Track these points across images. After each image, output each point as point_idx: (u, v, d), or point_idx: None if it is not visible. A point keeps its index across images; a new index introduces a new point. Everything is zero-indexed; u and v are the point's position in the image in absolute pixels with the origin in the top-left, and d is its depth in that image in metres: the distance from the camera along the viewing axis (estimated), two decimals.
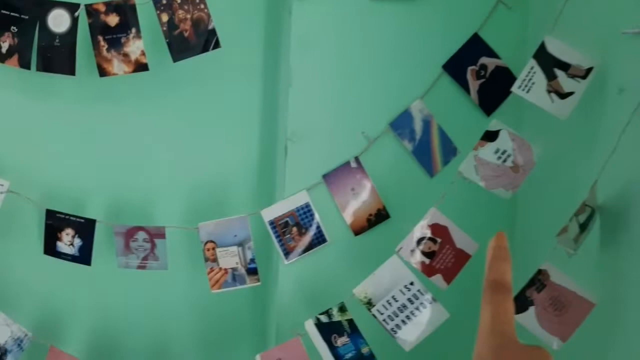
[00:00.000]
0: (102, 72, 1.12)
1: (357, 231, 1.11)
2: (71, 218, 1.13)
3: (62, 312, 1.17)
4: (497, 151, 0.93)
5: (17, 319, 1.09)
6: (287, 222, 1.10)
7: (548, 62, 0.90)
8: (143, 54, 1.11)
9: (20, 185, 1.12)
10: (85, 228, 1.13)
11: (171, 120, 1.21)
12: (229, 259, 1.11)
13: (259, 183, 1.25)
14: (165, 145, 1.21)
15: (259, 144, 1.25)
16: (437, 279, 0.96)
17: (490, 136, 0.93)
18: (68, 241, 1.13)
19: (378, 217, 1.11)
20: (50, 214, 1.13)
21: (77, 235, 1.13)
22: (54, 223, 1.13)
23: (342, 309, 0.99)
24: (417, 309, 0.96)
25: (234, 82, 1.22)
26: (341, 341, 0.99)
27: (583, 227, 0.84)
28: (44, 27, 1.11)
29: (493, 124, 0.94)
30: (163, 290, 1.19)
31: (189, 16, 1.11)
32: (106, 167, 1.19)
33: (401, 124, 1.12)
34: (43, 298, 1.16)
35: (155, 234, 1.13)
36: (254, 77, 1.24)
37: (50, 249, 1.13)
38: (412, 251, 0.96)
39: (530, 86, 0.91)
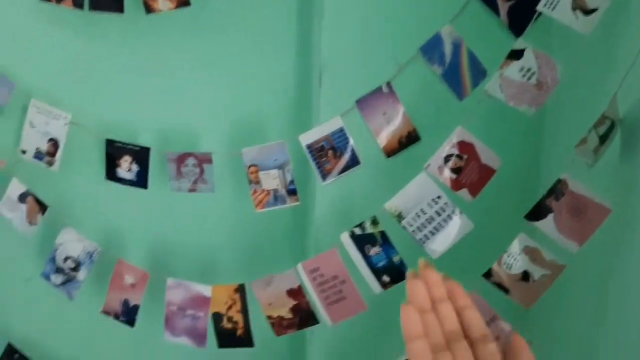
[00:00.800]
0: (148, 9, 1.20)
1: (389, 153, 1.17)
2: (128, 146, 1.24)
3: (123, 230, 1.31)
4: (522, 69, 0.96)
5: (85, 236, 1.24)
6: (322, 146, 1.18)
7: None
8: None
9: (80, 117, 1.25)
10: (141, 155, 1.24)
11: (212, 53, 1.29)
12: (271, 181, 1.20)
13: (295, 111, 1.32)
14: (207, 77, 1.29)
15: (294, 75, 1.32)
16: (464, 192, 1.03)
17: (516, 55, 0.96)
18: (126, 167, 1.25)
19: (409, 139, 1.17)
20: (109, 143, 1.25)
21: (134, 162, 1.25)
22: (113, 151, 1.25)
23: (375, 222, 1.08)
24: (444, 220, 1.04)
25: (270, 16, 1.28)
26: (374, 251, 1.08)
27: (603, 138, 0.88)
28: None
29: (518, 43, 0.97)
30: (210, 210, 1.31)
31: None
32: (155, 99, 1.29)
33: (431, 49, 1.15)
34: (106, 219, 1.30)
35: (203, 160, 1.23)
36: (290, 11, 1.29)
37: (111, 174, 1.26)
38: (440, 168, 1.03)
39: (556, 4, 0.93)
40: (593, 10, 0.91)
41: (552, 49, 1.06)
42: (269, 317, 1.17)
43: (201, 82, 1.29)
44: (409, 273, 0.57)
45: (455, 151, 1.02)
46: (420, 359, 0.50)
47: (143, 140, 1.27)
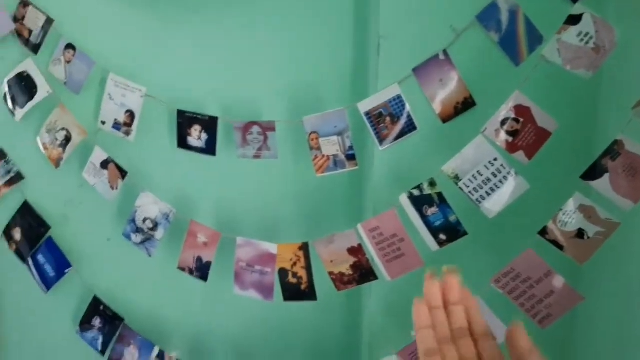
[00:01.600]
0: None
1: (445, 119, 1.22)
2: (198, 116, 1.34)
3: (193, 194, 1.41)
4: (579, 34, 0.99)
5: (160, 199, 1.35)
6: (381, 112, 1.24)
7: None
8: None
9: (154, 90, 1.34)
10: (210, 124, 1.33)
11: (273, 28, 1.35)
12: (331, 147, 1.27)
13: (353, 80, 1.38)
14: (268, 51, 1.36)
15: (351, 44, 1.37)
16: (519, 155, 1.07)
17: (574, 20, 0.99)
18: (196, 136, 1.35)
19: (465, 105, 1.21)
20: (180, 114, 1.34)
21: (203, 131, 1.34)
22: (184, 121, 1.34)
23: (432, 183, 1.14)
24: (500, 181, 1.08)
25: None
26: (431, 211, 1.15)
27: None
28: None
29: (577, 7, 0.99)
30: (273, 176, 1.39)
31: None
32: (221, 72, 1.37)
33: (488, 16, 1.18)
34: (178, 184, 1.41)
35: (267, 128, 1.31)
36: None
37: (182, 143, 1.36)
38: (496, 131, 1.07)
39: None
40: None
41: (607, 14, 1.07)
42: (331, 273, 1.26)
43: (263, 55, 1.36)
44: (427, 274, 0.64)
45: (512, 115, 1.06)
46: (425, 345, 0.57)
47: (210, 111, 1.36)
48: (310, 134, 1.29)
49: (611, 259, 1.06)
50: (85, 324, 1.44)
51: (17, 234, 1.45)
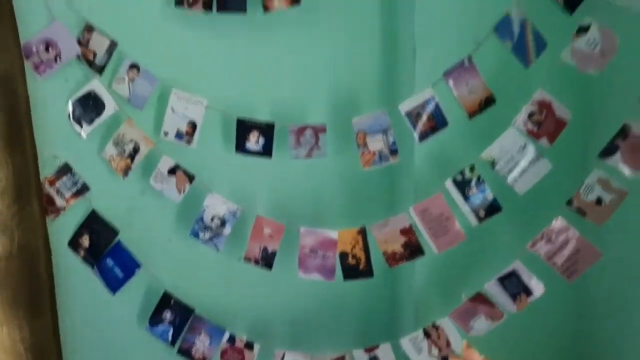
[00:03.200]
0: (265, 8, 1.45)
1: (471, 114, 1.45)
2: (256, 123, 1.50)
3: (252, 193, 1.58)
4: (588, 41, 1.24)
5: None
6: (418, 112, 1.45)
7: None
8: None
9: (211, 102, 1.50)
10: (267, 130, 1.50)
11: (316, 41, 1.54)
12: (376, 143, 1.48)
13: (384, 83, 1.58)
14: (313, 61, 1.55)
15: (381, 54, 1.58)
16: (543, 141, 1.31)
17: (583, 30, 1.24)
18: (254, 141, 1.52)
19: (487, 102, 1.44)
20: (240, 122, 1.50)
21: (260, 135, 1.51)
22: (243, 128, 1.51)
23: (472, 168, 1.36)
24: (528, 164, 1.32)
25: (360, 7, 1.53)
26: (472, 192, 1.37)
27: None
28: None
29: (585, 20, 1.24)
30: (323, 172, 1.58)
31: None
32: (271, 82, 1.54)
33: (502, 28, 1.42)
34: (239, 184, 1.57)
35: (319, 130, 1.49)
36: (373, 2, 1.54)
37: (241, 147, 1.52)
38: (524, 122, 1.31)
39: None
40: None
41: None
42: (384, 253, 1.46)
43: (306, 64, 1.55)
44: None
45: (536, 108, 1.30)
46: None
47: (260, 116, 1.53)
48: (358, 132, 1.48)
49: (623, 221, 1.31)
50: (154, 318, 1.57)
51: (85, 241, 1.56)
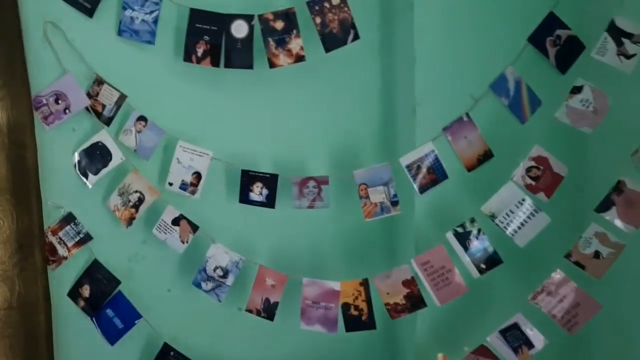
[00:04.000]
0: (272, 64, 1.50)
1: (470, 168, 1.49)
2: (260, 174, 1.53)
3: (254, 242, 1.59)
4: (582, 100, 1.30)
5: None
6: (419, 165, 1.49)
7: (616, 34, 1.26)
8: (302, 48, 1.49)
9: (216, 153, 1.53)
10: (271, 181, 1.53)
11: (317, 94, 1.60)
12: (378, 195, 1.51)
13: (385, 137, 1.63)
14: (314, 115, 1.60)
15: (380, 111, 1.63)
16: (541, 195, 1.35)
17: (577, 90, 1.30)
18: (258, 192, 1.54)
19: (485, 156, 1.49)
20: (244, 173, 1.53)
21: (264, 187, 1.54)
22: (247, 179, 1.53)
23: (473, 221, 1.39)
24: (528, 217, 1.36)
25: (360, 68, 1.60)
26: (472, 244, 1.40)
27: None
28: (229, 34, 1.49)
29: (579, 81, 1.31)
30: (324, 222, 1.60)
31: (336, 17, 1.47)
32: (275, 135, 1.59)
33: (499, 86, 1.48)
34: (242, 235, 1.58)
35: (321, 182, 1.53)
36: (374, 62, 1.61)
37: (245, 198, 1.54)
38: (522, 177, 1.35)
39: (605, 52, 1.27)
40: (633, 55, 1.25)
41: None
42: (387, 304, 1.47)
43: (311, 119, 1.60)
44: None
45: (534, 164, 1.35)
46: None
47: (262, 167, 1.56)
48: (360, 185, 1.51)
49: (620, 274, 1.34)
50: None
51: (86, 291, 1.55)
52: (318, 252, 1.62)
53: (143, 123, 1.53)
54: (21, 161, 1.51)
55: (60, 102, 1.49)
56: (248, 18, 1.48)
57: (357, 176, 1.51)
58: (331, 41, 1.49)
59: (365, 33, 1.51)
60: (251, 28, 1.48)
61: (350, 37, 1.49)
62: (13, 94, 1.51)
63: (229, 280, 1.51)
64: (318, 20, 1.47)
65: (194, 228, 1.52)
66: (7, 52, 1.48)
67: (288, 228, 1.60)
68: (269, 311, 1.50)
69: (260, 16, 1.47)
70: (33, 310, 1.56)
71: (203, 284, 1.52)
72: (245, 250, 1.55)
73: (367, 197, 1.52)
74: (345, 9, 1.47)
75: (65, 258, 1.54)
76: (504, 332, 1.39)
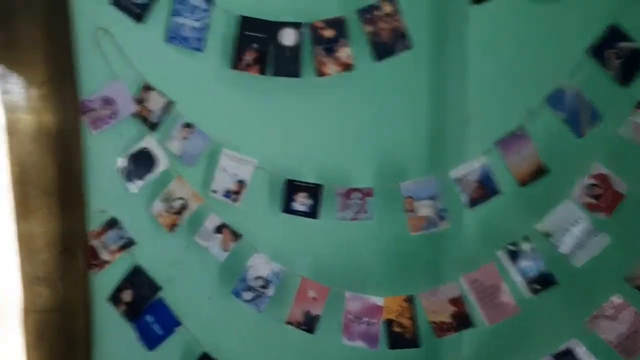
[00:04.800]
0: (319, 73, 1.48)
1: (523, 183, 1.43)
2: (304, 184, 1.51)
3: (296, 255, 1.56)
4: None
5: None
6: (469, 179, 1.44)
7: None
8: (350, 57, 1.46)
9: (262, 161, 1.52)
10: (315, 191, 1.50)
11: (363, 103, 1.56)
12: (425, 209, 1.46)
13: (433, 148, 1.59)
14: (360, 124, 1.57)
15: (429, 122, 1.59)
16: (601, 214, 1.28)
17: None
18: (301, 202, 1.51)
19: (539, 172, 1.43)
20: (288, 182, 1.51)
21: (308, 197, 1.51)
22: (291, 188, 1.51)
23: (526, 239, 1.33)
24: (586, 237, 1.29)
25: (408, 75, 1.56)
26: (525, 263, 1.34)
27: None
28: (277, 42, 1.47)
29: None
30: (368, 235, 1.56)
31: (387, 26, 1.44)
32: (319, 144, 1.56)
33: (555, 99, 1.43)
34: (283, 245, 1.55)
35: (367, 193, 1.49)
36: (424, 72, 1.56)
37: (288, 208, 1.52)
38: (581, 195, 1.29)
39: None
40: None
41: None
42: (432, 322, 1.41)
43: (357, 130, 1.57)
44: None
45: (594, 181, 1.28)
46: None
47: (308, 179, 1.54)
48: (407, 197, 1.47)
49: None
50: None
51: (127, 296, 1.55)
52: (360, 265, 1.58)
53: (189, 130, 1.52)
54: (68, 165, 1.52)
55: (108, 107, 1.50)
56: (297, 26, 1.46)
57: (403, 188, 1.47)
58: (382, 50, 1.45)
59: (416, 43, 1.48)
60: (300, 36, 1.47)
61: (401, 46, 1.46)
62: (62, 98, 1.52)
63: (270, 291, 1.48)
64: (369, 28, 1.45)
65: (236, 236, 1.50)
66: (58, 57, 1.49)
67: (330, 239, 1.56)
68: (309, 324, 1.47)
69: (310, 24, 1.46)
70: (74, 313, 1.56)
71: (243, 294, 1.50)
72: (286, 261, 1.53)
73: (414, 210, 1.47)
74: (397, 17, 1.44)
75: (108, 262, 1.54)
76: (556, 358, 1.33)
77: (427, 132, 1.59)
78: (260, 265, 1.49)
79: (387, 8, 1.43)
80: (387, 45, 1.45)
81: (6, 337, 1.45)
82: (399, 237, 1.53)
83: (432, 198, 1.46)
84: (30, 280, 1.48)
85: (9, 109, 1.45)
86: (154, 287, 1.55)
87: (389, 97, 1.56)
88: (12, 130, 1.46)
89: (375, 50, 1.45)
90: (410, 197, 1.47)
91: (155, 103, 1.52)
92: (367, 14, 1.44)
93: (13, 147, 1.45)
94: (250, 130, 1.56)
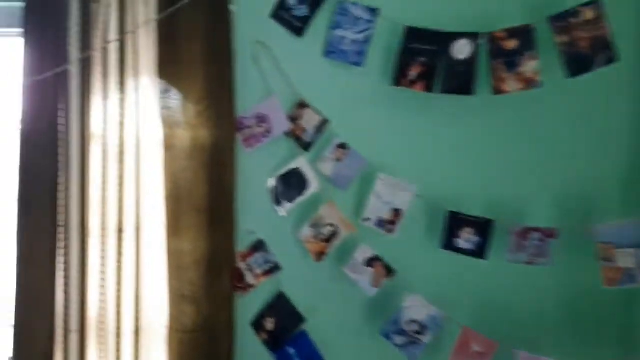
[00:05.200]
0: (497, 91, 1.28)
1: None
2: (470, 218, 1.31)
3: (458, 299, 1.37)
4: None
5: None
6: None
7: None
8: (537, 72, 1.24)
9: (421, 189, 1.35)
10: (483, 227, 1.30)
11: (547, 127, 1.33)
12: (626, 258, 1.19)
13: (631, 187, 1.30)
14: (541, 152, 1.34)
15: (630, 153, 1.31)
16: None
17: None
18: (466, 238, 1.32)
19: None
20: (452, 215, 1.32)
21: (474, 233, 1.31)
22: (455, 222, 1.32)
23: None
24: None
25: (605, 95, 1.30)
26: None
27: None
28: (448, 55, 1.30)
29: None
30: (544, 282, 1.32)
31: (588, 35, 1.20)
32: (490, 173, 1.36)
33: None
34: (443, 286, 1.37)
35: (548, 234, 1.25)
36: (626, 91, 1.30)
37: (449, 244, 1.33)
38: None
39: None
40: None
41: None
42: None
43: (537, 158, 1.34)
44: None
45: None
46: None
47: (473, 211, 1.34)
48: (602, 243, 1.21)
49: None
50: None
51: (270, 324, 1.47)
52: (535, 319, 1.33)
53: (343, 151, 1.40)
54: (220, 182, 1.48)
55: (262, 124, 1.43)
56: (473, 36, 1.28)
57: (596, 232, 1.21)
58: (578, 64, 1.21)
59: (621, 55, 1.22)
60: (476, 48, 1.28)
61: (604, 59, 1.20)
62: (219, 114, 1.48)
63: (426, 338, 1.30)
64: (563, 38, 1.22)
65: (389, 272, 1.35)
66: (217, 73, 1.46)
67: (500, 284, 1.34)
68: None
69: (489, 34, 1.27)
70: (217, 335, 1.51)
71: (394, 337, 1.33)
72: (446, 305, 1.34)
73: (611, 259, 1.20)
74: (602, 24, 1.19)
75: (252, 286, 1.47)
76: None
77: (627, 166, 1.31)
78: (416, 308, 1.31)
79: (588, 14, 1.19)
80: (585, 57, 1.21)
81: (149, 354, 1.44)
82: (586, 290, 1.27)
83: (636, 246, 1.18)
84: (176, 298, 1.45)
85: (167, 125, 1.45)
86: (297, 317, 1.45)
87: (582, 120, 1.31)
88: (169, 146, 1.45)
89: (568, 64, 1.22)
90: (608, 242, 1.20)
91: (309, 121, 1.43)
92: (560, 21, 1.21)
93: (168, 162, 1.44)
94: (410, 154, 1.40)
